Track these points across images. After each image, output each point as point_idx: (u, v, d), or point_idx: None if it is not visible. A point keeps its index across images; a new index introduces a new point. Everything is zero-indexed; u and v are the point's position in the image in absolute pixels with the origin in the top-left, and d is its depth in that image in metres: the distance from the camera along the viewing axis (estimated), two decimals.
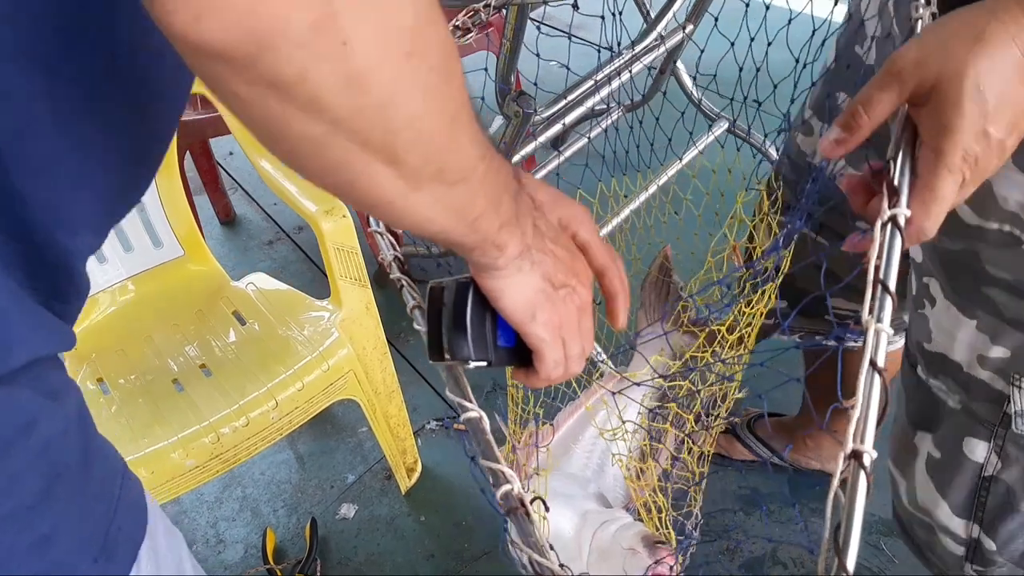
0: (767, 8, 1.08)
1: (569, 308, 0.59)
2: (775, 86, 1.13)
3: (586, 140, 1.46)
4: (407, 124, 0.40)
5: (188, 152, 2.21)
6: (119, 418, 1.30)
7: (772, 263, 0.94)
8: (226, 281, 1.61)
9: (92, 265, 1.50)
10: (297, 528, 1.62)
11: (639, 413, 1.03)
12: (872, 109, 0.60)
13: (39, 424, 0.45)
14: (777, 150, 1.68)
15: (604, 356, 1.27)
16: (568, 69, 1.29)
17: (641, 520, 0.90)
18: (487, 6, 1.02)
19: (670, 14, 1.59)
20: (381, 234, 0.72)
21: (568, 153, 1.78)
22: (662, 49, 1.65)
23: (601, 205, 1.36)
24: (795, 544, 1.49)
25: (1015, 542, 0.91)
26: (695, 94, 1.95)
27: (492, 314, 0.58)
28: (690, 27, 1.72)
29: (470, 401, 0.58)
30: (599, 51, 1.39)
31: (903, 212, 0.54)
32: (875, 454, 0.43)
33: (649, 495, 0.92)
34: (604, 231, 1.37)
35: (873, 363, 0.45)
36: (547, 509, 0.53)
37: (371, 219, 0.74)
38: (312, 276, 2.25)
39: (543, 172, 1.73)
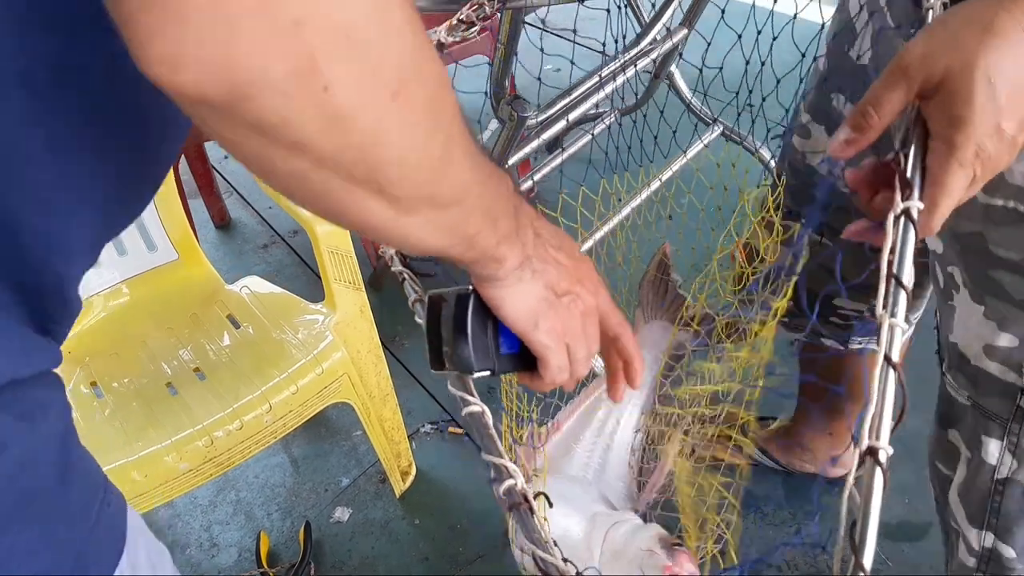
0: (771, 14, 1.09)
1: (573, 314, 0.59)
2: (763, 99, 1.14)
3: (582, 144, 1.46)
4: (394, 160, 0.39)
5: (183, 156, 2.21)
6: (112, 421, 1.29)
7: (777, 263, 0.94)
8: (220, 285, 1.61)
9: None
10: (291, 532, 1.61)
11: (641, 409, 1.03)
12: (881, 108, 0.59)
13: (9, 448, 0.44)
14: (771, 153, 1.69)
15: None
16: (576, 62, 1.29)
17: (652, 522, 0.89)
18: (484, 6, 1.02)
19: (665, 18, 1.60)
20: None
21: (562, 157, 1.78)
22: (656, 53, 1.66)
23: (596, 207, 1.36)
24: (790, 545, 1.49)
25: None
26: (689, 98, 1.96)
27: (494, 321, 0.58)
28: (684, 31, 1.73)
29: (472, 395, 0.57)
30: (602, 55, 1.40)
31: (916, 205, 0.53)
32: (891, 450, 0.42)
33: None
34: (600, 233, 1.38)
35: (887, 358, 0.45)
36: (550, 505, 0.53)
37: None
38: (307, 280, 2.25)
39: (537, 176, 1.73)
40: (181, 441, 1.23)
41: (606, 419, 1.05)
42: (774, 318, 0.95)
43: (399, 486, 1.65)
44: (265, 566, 1.54)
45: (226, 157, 2.75)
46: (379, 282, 2.14)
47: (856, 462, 0.42)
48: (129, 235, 1.57)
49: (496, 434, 0.54)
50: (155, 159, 0.51)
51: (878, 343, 0.46)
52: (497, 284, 0.54)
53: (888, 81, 0.59)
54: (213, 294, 1.58)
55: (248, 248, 2.41)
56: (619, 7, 1.22)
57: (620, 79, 1.52)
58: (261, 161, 0.38)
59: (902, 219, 0.52)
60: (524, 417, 0.99)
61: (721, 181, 1.22)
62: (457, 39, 0.95)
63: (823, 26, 1.09)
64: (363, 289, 1.44)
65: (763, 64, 1.18)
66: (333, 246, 1.38)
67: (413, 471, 1.69)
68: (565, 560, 0.46)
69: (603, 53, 1.41)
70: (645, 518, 0.92)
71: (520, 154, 1.63)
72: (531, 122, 1.49)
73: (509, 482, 0.50)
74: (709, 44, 1.27)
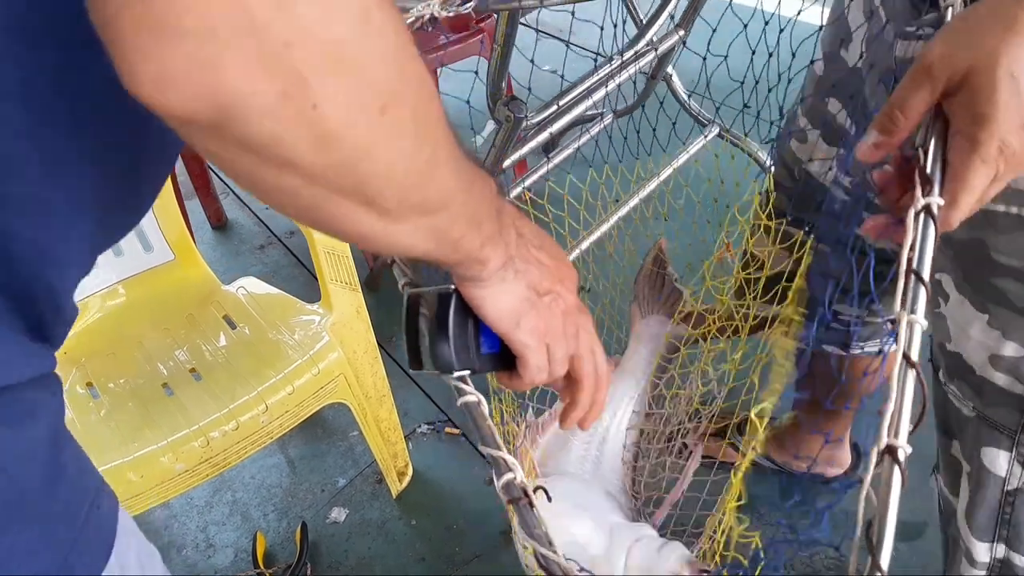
0: (767, 21, 1.09)
1: (554, 314, 0.59)
2: (759, 107, 1.14)
3: (578, 145, 1.47)
4: (383, 172, 0.39)
5: (180, 157, 2.20)
6: (108, 422, 1.29)
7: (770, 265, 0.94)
8: (217, 285, 1.61)
9: None
10: (287, 532, 1.61)
11: (635, 407, 1.03)
12: (907, 109, 0.59)
13: None
14: (769, 155, 1.69)
15: None
16: (573, 64, 1.29)
17: (672, 540, 0.89)
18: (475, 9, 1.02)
19: (661, 19, 1.60)
20: None
21: (559, 158, 1.78)
22: (653, 55, 1.66)
23: (589, 211, 1.37)
24: (785, 543, 1.49)
25: None
26: (686, 100, 1.96)
27: (475, 320, 0.57)
28: (681, 32, 1.73)
29: (467, 384, 0.57)
30: (599, 56, 1.40)
31: (936, 201, 0.53)
32: (910, 449, 0.42)
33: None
34: (596, 235, 1.38)
35: (906, 356, 0.44)
36: (549, 499, 0.53)
37: None
38: (304, 280, 2.25)
39: (534, 177, 1.73)
40: (177, 442, 1.23)
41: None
42: (787, 325, 0.95)
43: (396, 486, 1.65)
44: (261, 567, 1.54)
45: None
46: (375, 283, 2.14)
47: (874, 460, 0.42)
48: (126, 236, 1.56)
49: (493, 426, 0.53)
50: (154, 168, 0.51)
51: (896, 341, 0.46)
52: (480, 284, 0.54)
53: (912, 81, 0.59)
54: (209, 295, 1.58)
55: (244, 249, 2.41)
56: (619, 20, 1.22)
57: (617, 80, 1.53)
58: (252, 178, 0.38)
59: (922, 215, 0.52)
60: (515, 413, 0.99)
61: (719, 175, 1.22)
62: (451, 14, 0.94)
63: (821, 28, 1.09)
64: (359, 290, 1.44)
65: (752, 56, 1.18)
66: (329, 247, 1.38)
67: (410, 471, 1.69)
68: (568, 559, 0.45)
69: (599, 55, 1.41)
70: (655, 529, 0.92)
71: (516, 155, 1.63)
72: (528, 123, 1.49)
73: (508, 476, 0.50)
74: (711, 45, 1.27)
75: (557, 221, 1.32)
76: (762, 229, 1.12)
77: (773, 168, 1.20)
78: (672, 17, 1.57)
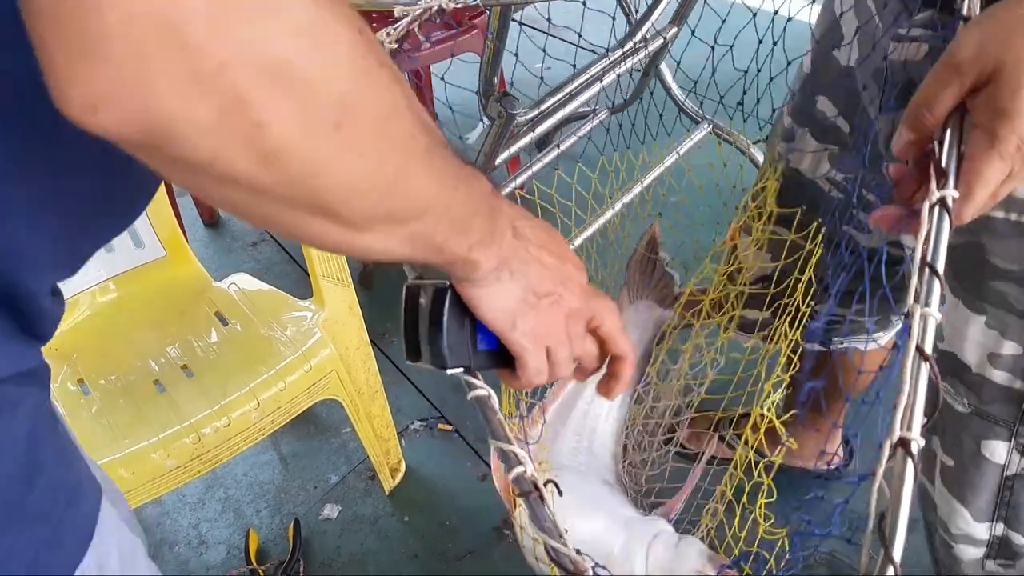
0: (767, 16, 1.09)
1: (555, 316, 0.57)
2: (756, 97, 1.15)
3: (572, 141, 1.47)
4: (342, 187, 0.38)
5: None
6: (100, 419, 1.28)
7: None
8: (208, 282, 1.60)
9: None
10: (280, 529, 1.61)
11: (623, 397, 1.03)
12: (935, 106, 0.59)
13: None
14: (763, 152, 1.69)
15: None
16: (567, 60, 1.29)
17: (688, 535, 0.89)
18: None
19: (654, 16, 1.60)
20: None
21: (552, 155, 1.78)
22: (645, 52, 1.66)
23: (582, 207, 1.37)
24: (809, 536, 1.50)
25: None
26: (679, 96, 1.96)
27: (471, 317, 0.56)
28: (674, 30, 1.73)
29: (477, 378, 0.56)
30: (593, 52, 1.40)
31: (951, 193, 0.53)
32: (922, 442, 0.42)
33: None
34: (590, 231, 1.38)
35: (920, 349, 0.44)
36: (560, 493, 0.52)
37: None
38: (297, 277, 2.24)
39: (526, 175, 1.73)
40: (169, 438, 1.23)
41: (589, 405, 1.05)
42: (797, 327, 0.95)
43: (388, 483, 1.65)
44: (254, 563, 1.53)
45: None
46: (368, 279, 2.13)
47: (886, 453, 0.42)
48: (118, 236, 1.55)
49: (504, 419, 0.53)
50: (139, 172, 0.50)
51: (910, 334, 0.46)
52: (474, 284, 0.53)
53: (939, 78, 0.59)
54: (201, 291, 1.57)
55: (237, 245, 2.40)
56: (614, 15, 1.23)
57: (610, 76, 1.53)
58: (196, 190, 0.37)
59: (937, 208, 0.52)
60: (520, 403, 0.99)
61: (713, 165, 1.22)
62: (459, 5, 0.93)
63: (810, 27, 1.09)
64: (352, 286, 1.44)
65: (754, 54, 1.19)
66: None
67: (402, 468, 1.68)
68: (578, 552, 0.45)
69: (592, 51, 1.41)
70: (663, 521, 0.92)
71: (509, 151, 1.63)
72: (520, 119, 1.49)
73: (519, 469, 0.49)
74: (713, 44, 1.27)
75: (548, 217, 1.32)
76: (744, 227, 1.12)
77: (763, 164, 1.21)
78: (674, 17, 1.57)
